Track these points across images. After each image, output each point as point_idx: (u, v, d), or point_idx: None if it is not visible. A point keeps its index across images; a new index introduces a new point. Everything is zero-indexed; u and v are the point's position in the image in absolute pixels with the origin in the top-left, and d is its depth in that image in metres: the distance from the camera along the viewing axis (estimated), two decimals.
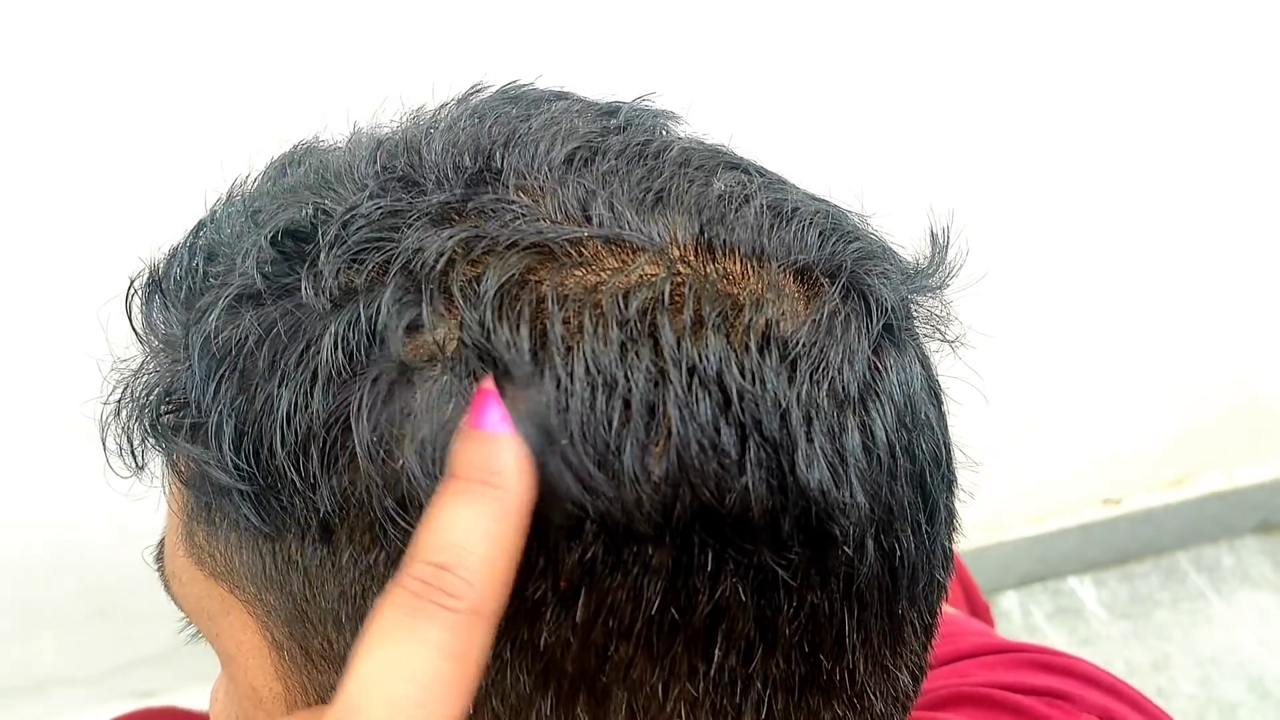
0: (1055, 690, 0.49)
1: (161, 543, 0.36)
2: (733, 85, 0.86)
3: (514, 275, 0.27)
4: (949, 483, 0.32)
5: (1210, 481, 1.44)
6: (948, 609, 0.71)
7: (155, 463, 0.33)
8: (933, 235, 0.33)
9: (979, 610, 0.87)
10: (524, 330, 0.26)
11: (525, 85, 0.34)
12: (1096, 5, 0.95)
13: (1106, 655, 1.38)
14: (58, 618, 1.19)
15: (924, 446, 0.30)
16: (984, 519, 1.40)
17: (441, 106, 0.33)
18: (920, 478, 0.30)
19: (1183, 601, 1.43)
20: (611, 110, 0.33)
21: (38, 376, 0.94)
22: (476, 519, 0.25)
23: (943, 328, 0.33)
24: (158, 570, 0.36)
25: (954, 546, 0.34)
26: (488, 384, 0.26)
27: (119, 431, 0.31)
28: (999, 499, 1.37)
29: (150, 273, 0.32)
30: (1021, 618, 1.42)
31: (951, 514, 0.33)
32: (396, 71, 0.76)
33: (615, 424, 0.26)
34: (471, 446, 0.25)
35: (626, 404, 0.26)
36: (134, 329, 0.32)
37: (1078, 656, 0.53)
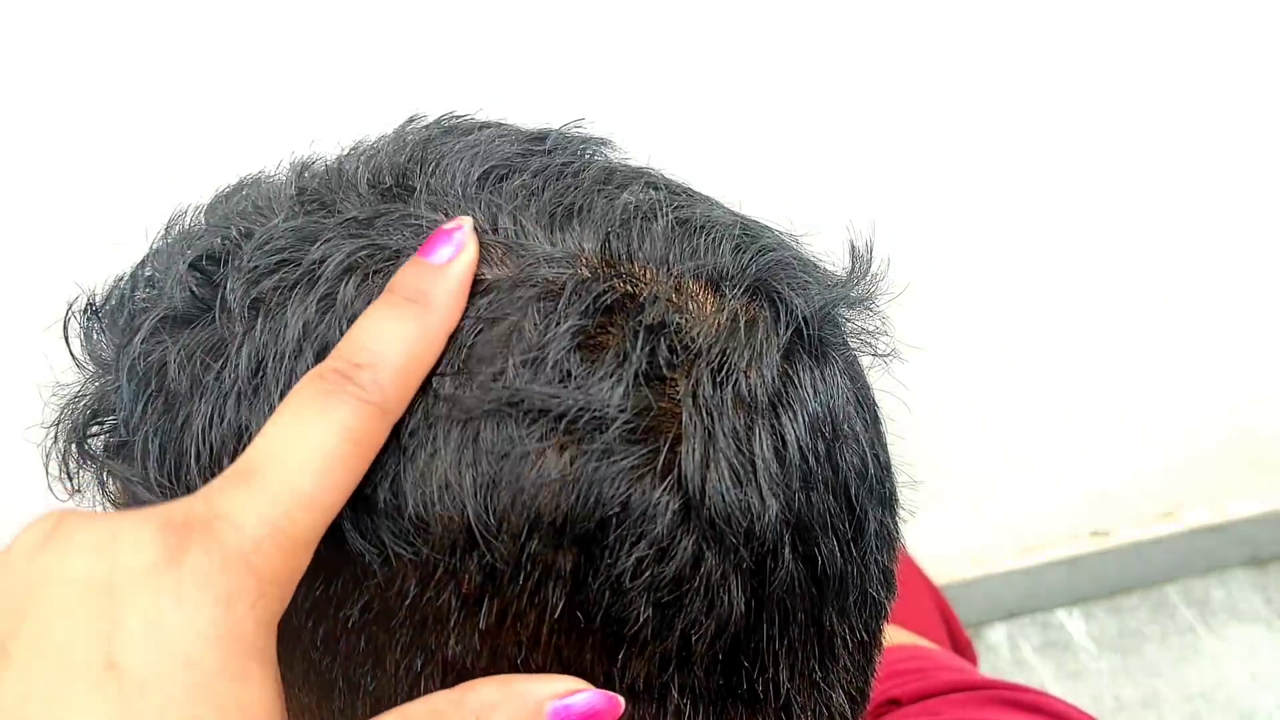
0: None
1: None
2: (676, 108, 0.86)
3: None
4: (882, 498, 0.32)
5: (1200, 515, 1.43)
6: (928, 645, 0.70)
7: (92, 487, 0.32)
8: (852, 247, 0.33)
9: (961, 646, 0.86)
10: None
11: (462, 116, 0.34)
12: (1076, 14, 0.95)
13: (1095, 690, 1.37)
14: None
15: (848, 458, 0.30)
16: (973, 551, 1.39)
17: (379, 138, 0.33)
18: (844, 488, 0.29)
19: (1172, 635, 1.41)
20: (540, 136, 0.33)
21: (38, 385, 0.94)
22: (399, 330, 0.26)
23: (873, 341, 0.32)
24: None
25: (894, 567, 0.33)
26: (458, 221, 0.28)
27: (57, 454, 0.32)
28: (988, 531, 1.37)
29: (88, 300, 0.33)
30: (1010, 651, 1.41)
31: (888, 531, 0.32)
32: (366, 108, 0.76)
33: (502, 431, 0.26)
34: (411, 269, 0.27)
35: (517, 407, 0.26)
36: (71, 353, 0.32)
37: (1049, 694, 0.53)
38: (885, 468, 0.33)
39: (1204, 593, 1.45)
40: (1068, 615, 1.44)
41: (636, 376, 0.27)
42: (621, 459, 0.26)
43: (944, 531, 1.33)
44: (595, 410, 0.26)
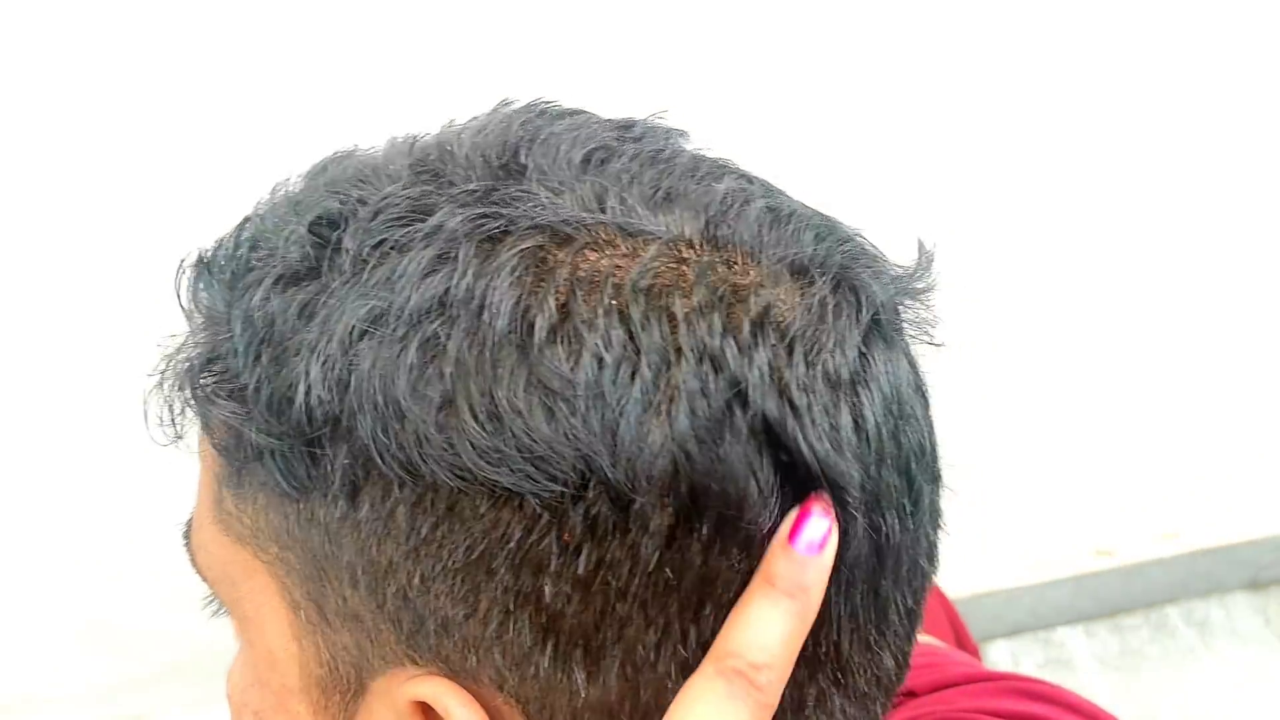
0: (1036, 716, 0.50)
1: (190, 521, 0.38)
2: (739, 106, 0.88)
3: (530, 249, 0.29)
4: (934, 476, 0.34)
5: (1202, 536, 1.45)
6: (938, 642, 0.72)
7: (190, 437, 0.35)
8: (919, 242, 0.35)
9: (969, 651, 0.88)
10: (545, 299, 0.28)
11: (549, 101, 0.36)
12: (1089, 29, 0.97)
13: None
14: (49, 635, 1.19)
15: (910, 435, 0.32)
16: (977, 567, 1.40)
17: (473, 118, 0.35)
18: (906, 464, 0.32)
19: (1172, 655, 1.43)
20: (628, 124, 0.35)
21: (39, 386, 0.96)
22: (785, 626, 0.29)
23: (930, 330, 0.35)
24: (185, 545, 0.38)
25: (938, 541, 0.35)
26: (816, 503, 0.29)
27: (161, 401, 0.34)
28: (992, 548, 1.38)
29: (199, 256, 0.34)
30: (1012, 668, 1.42)
31: (936, 507, 0.35)
32: (420, 99, 0.79)
33: (622, 391, 0.28)
34: (786, 562, 0.29)
35: (634, 374, 0.28)
36: (181, 306, 0.34)
37: (1062, 686, 0.54)
38: (935, 448, 0.35)
39: (1205, 614, 1.47)
40: (1070, 633, 1.46)
41: (750, 361, 0.29)
42: (739, 433, 0.28)
43: (948, 547, 1.34)
44: (710, 388, 0.28)
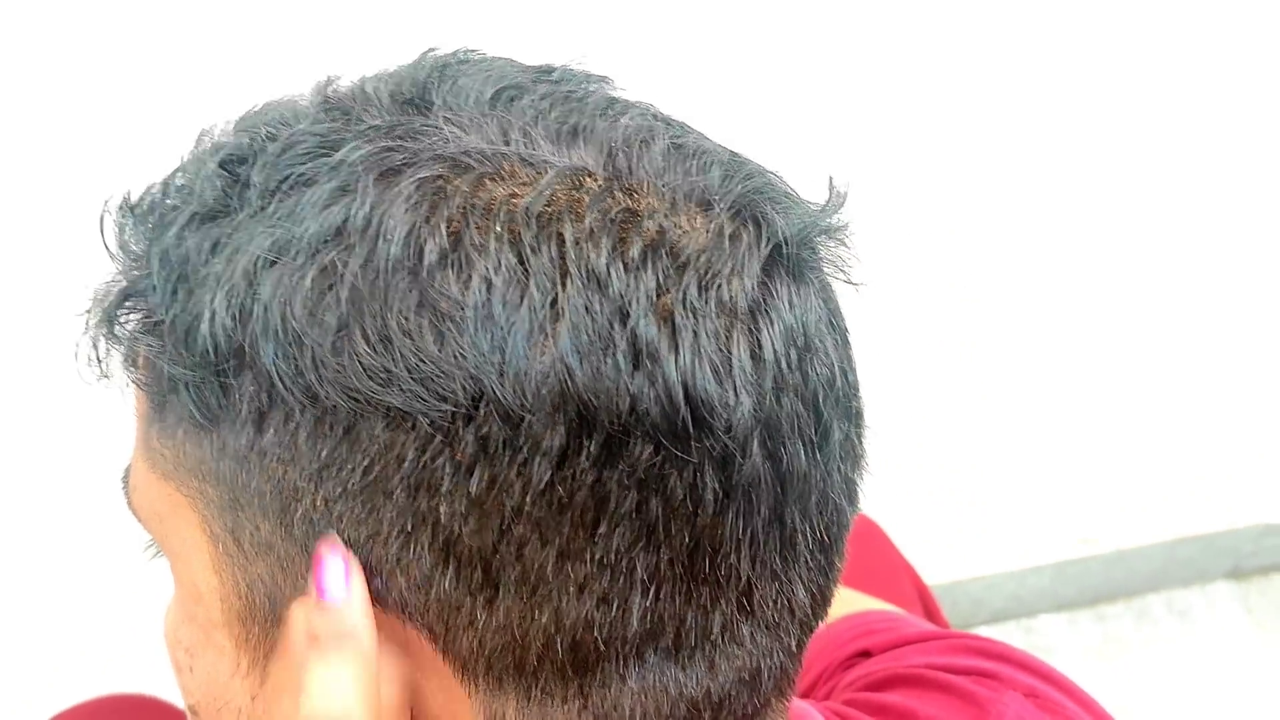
0: (984, 671, 0.50)
1: (128, 466, 0.38)
2: (742, 104, 0.89)
3: (428, 178, 0.30)
4: (848, 413, 0.34)
5: (1184, 525, 1.45)
6: (901, 612, 0.72)
7: (119, 373, 0.35)
8: (829, 179, 0.36)
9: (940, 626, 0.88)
10: (438, 225, 0.29)
11: (473, 50, 0.37)
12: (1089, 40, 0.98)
13: None
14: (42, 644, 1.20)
15: (818, 370, 0.32)
16: (959, 553, 1.40)
17: (399, 66, 0.36)
18: (813, 397, 0.32)
19: (1154, 644, 1.43)
20: (547, 69, 0.36)
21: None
22: (349, 676, 0.30)
23: (847, 269, 0.35)
24: (123, 489, 0.38)
25: (858, 480, 0.36)
26: (324, 546, 0.30)
27: (88, 340, 0.34)
28: (974, 533, 1.38)
29: (123, 198, 0.35)
30: None
31: (853, 445, 0.35)
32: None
33: (510, 313, 0.29)
34: (320, 616, 0.30)
35: (522, 295, 0.29)
36: (106, 247, 0.35)
37: (1015, 646, 0.55)
38: (853, 386, 0.35)
39: (1186, 602, 1.47)
40: (1052, 621, 1.46)
41: (636, 282, 0.29)
42: (618, 352, 0.29)
43: (930, 532, 1.34)
44: (595, 308, 0.29)
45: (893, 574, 0.84)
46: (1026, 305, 1.15)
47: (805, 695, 0.60)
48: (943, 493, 1.32)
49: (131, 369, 0.34)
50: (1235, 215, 1.14)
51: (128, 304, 0.33)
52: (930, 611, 0.89)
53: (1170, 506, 1.44)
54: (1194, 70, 1.02)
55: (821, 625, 0.37)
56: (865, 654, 0.58)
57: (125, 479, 0.38)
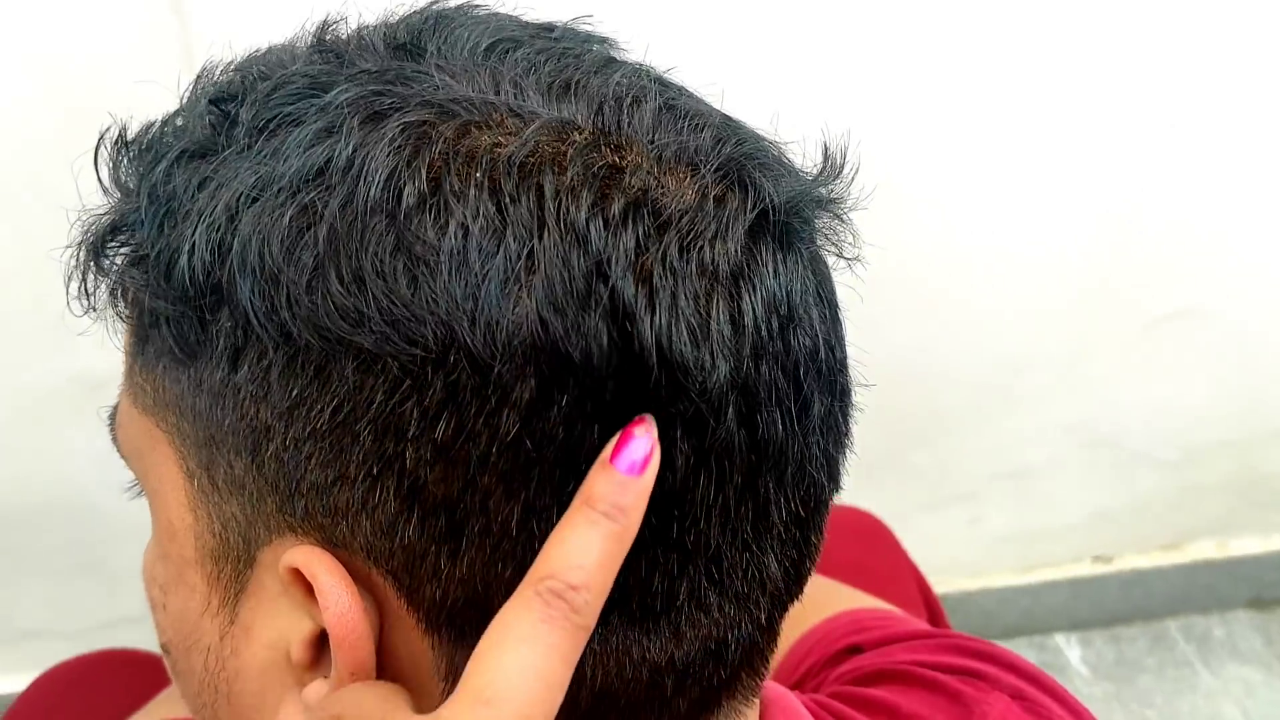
0: (971, 670, 0.50)
1: (116, 405, 0.38)
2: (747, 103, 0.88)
3: (413, 122, 0.30)
4: (831, 387, 0.33)
5: (1203, 549, 1.42)
6: (898, 611, 0.71)
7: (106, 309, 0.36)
8: (825, 148, 0.35)
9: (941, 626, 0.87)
10: (419, 169, 0.29)
11: (479, 5, 0.37)
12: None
13: None
14: (43, 570, 1.21)
15: (801, 340, 0.32)
16: (973, 564, 1.39)
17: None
18: (795, 367, 0.31)
19: (1169, 668, 1.41)
20: (549, 26, 0.36)
21: (28, 336, 0.97)
22: (602, 547, 0.29)
23: (841, 243, 0.34)
24: (109, 427, 0.39)
25: (840, 458, 0.35)
26: (639, 424, 0.29)
27: (76, 272, 0.35)
28: (987, 544, 1.37)
29: (119, 132, 0.35)
30: None
31: (837, 423, 0.34)
32: None
33: (485, 260, 0.28)
34: (607, 482, 0.29)
35: (499, 244, 0.28)
36: (100, 181, 0.35)
37: (1005, 648, 0.54)
38: (840, 361, 0.35)
39: (1205, 630, 1.44)
40: (1065, 640, 1.44)
41: (616, 240, 0.29)
42: (594, 308, 0.28)
43: (944, 541, 1.33)
44: (572, 262, 0.29)
45: (896, 574, 0.84)
46: (1042, 311, 1.14)
47: (794, 688, 0.60)
48: (957, 499, 1.31)
49: (118, 302, 0.35)
50: (1250, 226, 1.12)
51: (118, 237, 0.33)
52: (934, 615, 0.88)
53: (1189, 528, 1.41)
54: (1194, 70, 1.00)
55: (796, 604, 0.36)
56: (856, 649, 0.58)
57: (113, 416, 0.39)
